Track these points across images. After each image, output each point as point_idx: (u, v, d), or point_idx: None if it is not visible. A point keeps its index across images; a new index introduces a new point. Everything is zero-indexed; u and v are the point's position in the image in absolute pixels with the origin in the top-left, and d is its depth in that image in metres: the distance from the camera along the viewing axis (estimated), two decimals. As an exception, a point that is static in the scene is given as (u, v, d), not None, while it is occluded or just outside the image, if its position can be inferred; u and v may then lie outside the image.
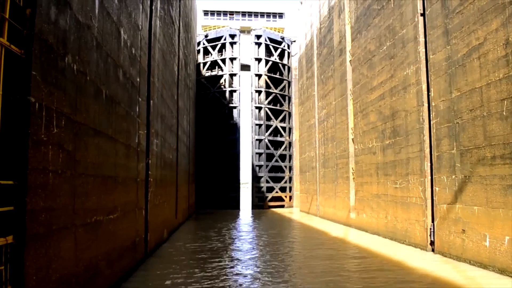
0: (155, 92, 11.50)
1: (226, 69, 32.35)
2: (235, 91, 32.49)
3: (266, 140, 32.04)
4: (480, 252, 9.08)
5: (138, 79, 9.19)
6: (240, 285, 7.95)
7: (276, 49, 33.86)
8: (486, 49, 8.99)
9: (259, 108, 32.28)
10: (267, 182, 32.18)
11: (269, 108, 32.37)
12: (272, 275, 8.75)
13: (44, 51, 4.37)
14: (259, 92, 32.45)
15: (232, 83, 32.61)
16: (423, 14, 11.91)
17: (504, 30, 8.47)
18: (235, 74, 32.60)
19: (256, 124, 32.08)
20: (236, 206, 31.85)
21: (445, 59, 10.62)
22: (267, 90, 32.54)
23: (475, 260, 9.23)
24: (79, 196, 5.44)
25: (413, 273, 8.76)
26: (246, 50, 34.29)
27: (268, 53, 33.46)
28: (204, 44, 33.05)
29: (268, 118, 32.35)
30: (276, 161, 32.48)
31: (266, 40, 33.27)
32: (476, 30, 9.36)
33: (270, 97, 32.67)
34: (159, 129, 12.11)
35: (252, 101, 32.32)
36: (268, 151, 32.05)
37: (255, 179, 32.25)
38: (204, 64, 33.00)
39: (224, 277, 8.58)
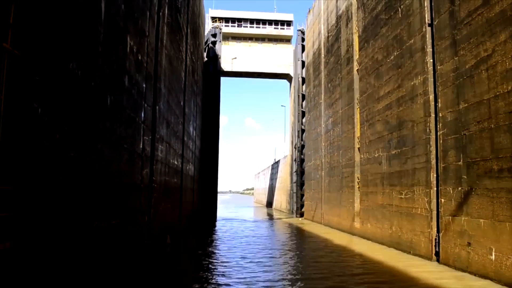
0: (161, 98, 11.51)
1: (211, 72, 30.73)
2: (215, 94, 30.47)
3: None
4: (485, 266, 8.95)
5: (144, 85, 9.19)
6: None
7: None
8: (494, 61, 8.91)
9: (303, 113, 31.94)
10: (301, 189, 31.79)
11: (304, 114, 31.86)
12: None
13: (46, 57, 4.36)
14: (304, 97, 32.06)
15: (213, 86, 30.66)
16: (431, 25, 11.85)
17: (512, 42, 8.41)
18: (213, 75, 30.53)
19: (303, 129, 31.69)
20: (211, 216, 28.49)
21: (452, 70, 10.55)
22: (304, 94, 31.96)
23: (481, 273, 9.09)
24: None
25: (418, 283, 8.67)
26: (271, 58, 34.09)
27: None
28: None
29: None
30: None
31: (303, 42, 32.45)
32: (485, 41, 9.29)
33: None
34: (164, 135, 12.10)
35: (298, 105, 31.76)
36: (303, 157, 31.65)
37: (300, 186, 31.77)
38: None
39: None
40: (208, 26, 39.52)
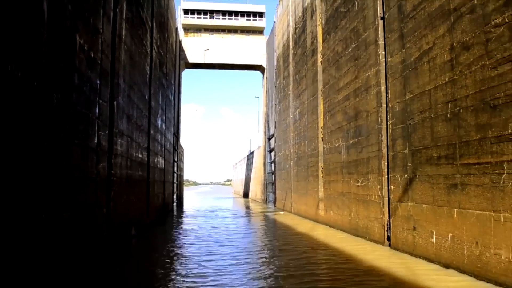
0: (120, 93, 11.70)
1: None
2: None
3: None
4: (428, 248, 9.48)
5: (98, 82, 9.39)
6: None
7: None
8: (435, 54, 9.37)
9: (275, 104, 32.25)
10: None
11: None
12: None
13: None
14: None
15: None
16: (382, 18, 12.27)
17: (449, 36, 8.85)
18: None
19: (274, 120, 31.99)
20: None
21: (400, 62, 11.00)
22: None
23: (424, 255, 9.62)
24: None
25: (362, 264, 9.19)
26: (240, 50, 34.37)
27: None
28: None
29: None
30: None
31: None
32: (427, 34, 9.74)
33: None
34: (124, 129, 12.30)
35: (270, 96, 32.13)
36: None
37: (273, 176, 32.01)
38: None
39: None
40: (180, 18, 39.51)
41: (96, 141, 9.25)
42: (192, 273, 8.77)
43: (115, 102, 11.02)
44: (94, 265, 9.06)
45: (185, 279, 8.25)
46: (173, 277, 8.58)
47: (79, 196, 8.14)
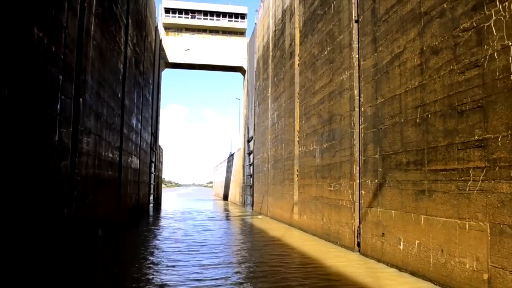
0: (87, 90, 11.36)
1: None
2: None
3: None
4: (395, 255, 9.34)
5: (60, 77, 9.05)
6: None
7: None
8: (405, 58, 9.25)
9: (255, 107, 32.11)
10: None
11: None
12: None
13: None
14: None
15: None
16: (357, 21, 12.15)
17: (420, 40, 8.74)
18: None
19: (254, 123, 31.87)
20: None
21: (373, 66, 10.88)
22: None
23: (392, 262, 9.48)
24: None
25: (328, 270, 8.99)
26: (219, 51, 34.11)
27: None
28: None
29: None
30: None
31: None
32: (398, 38, 9.63)
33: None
34: (92, 127, 11.95)
35: (250, 98, 32.04)
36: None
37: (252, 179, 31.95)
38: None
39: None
40: (161, 17, 39.12)
41: (57, 139, 8.90)
42: (152, 274, 8.50)
43: (80, 99, 10.67)
44: (46, 268, 8.71)
45: (141, 282, 7.98)
46: (133, 275, 8.30)
47: (33, 195, 7.78)
